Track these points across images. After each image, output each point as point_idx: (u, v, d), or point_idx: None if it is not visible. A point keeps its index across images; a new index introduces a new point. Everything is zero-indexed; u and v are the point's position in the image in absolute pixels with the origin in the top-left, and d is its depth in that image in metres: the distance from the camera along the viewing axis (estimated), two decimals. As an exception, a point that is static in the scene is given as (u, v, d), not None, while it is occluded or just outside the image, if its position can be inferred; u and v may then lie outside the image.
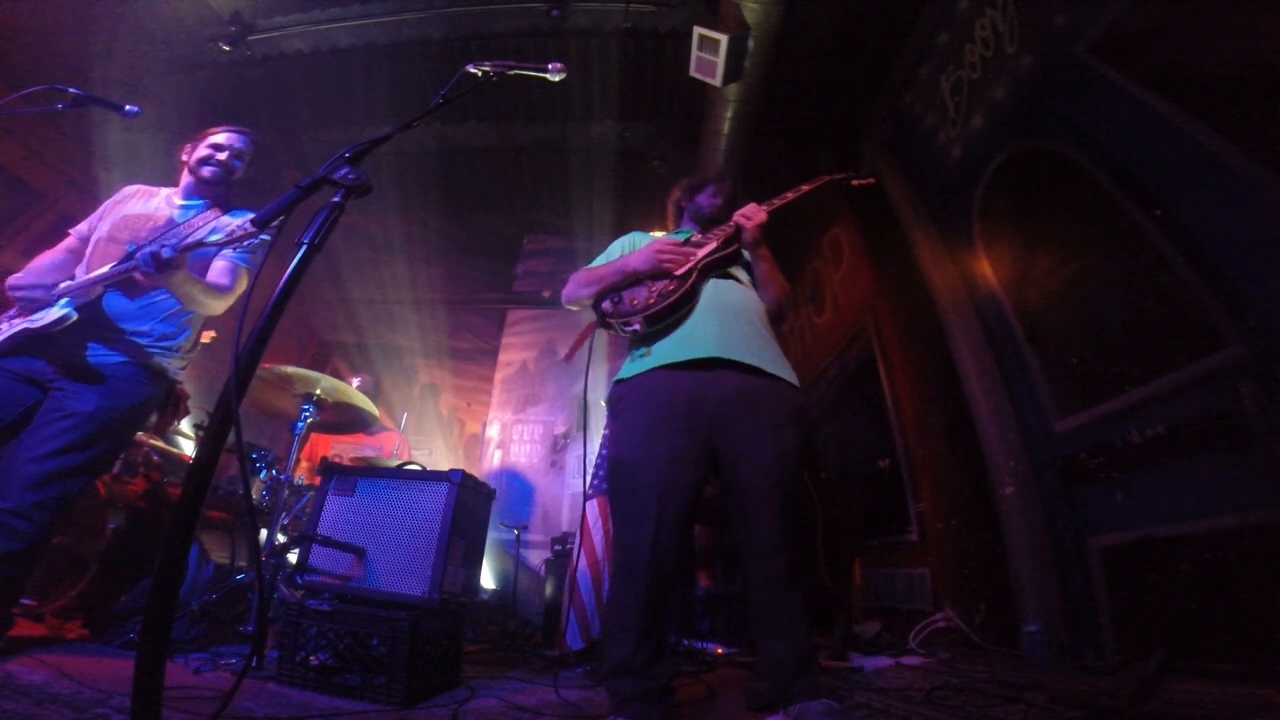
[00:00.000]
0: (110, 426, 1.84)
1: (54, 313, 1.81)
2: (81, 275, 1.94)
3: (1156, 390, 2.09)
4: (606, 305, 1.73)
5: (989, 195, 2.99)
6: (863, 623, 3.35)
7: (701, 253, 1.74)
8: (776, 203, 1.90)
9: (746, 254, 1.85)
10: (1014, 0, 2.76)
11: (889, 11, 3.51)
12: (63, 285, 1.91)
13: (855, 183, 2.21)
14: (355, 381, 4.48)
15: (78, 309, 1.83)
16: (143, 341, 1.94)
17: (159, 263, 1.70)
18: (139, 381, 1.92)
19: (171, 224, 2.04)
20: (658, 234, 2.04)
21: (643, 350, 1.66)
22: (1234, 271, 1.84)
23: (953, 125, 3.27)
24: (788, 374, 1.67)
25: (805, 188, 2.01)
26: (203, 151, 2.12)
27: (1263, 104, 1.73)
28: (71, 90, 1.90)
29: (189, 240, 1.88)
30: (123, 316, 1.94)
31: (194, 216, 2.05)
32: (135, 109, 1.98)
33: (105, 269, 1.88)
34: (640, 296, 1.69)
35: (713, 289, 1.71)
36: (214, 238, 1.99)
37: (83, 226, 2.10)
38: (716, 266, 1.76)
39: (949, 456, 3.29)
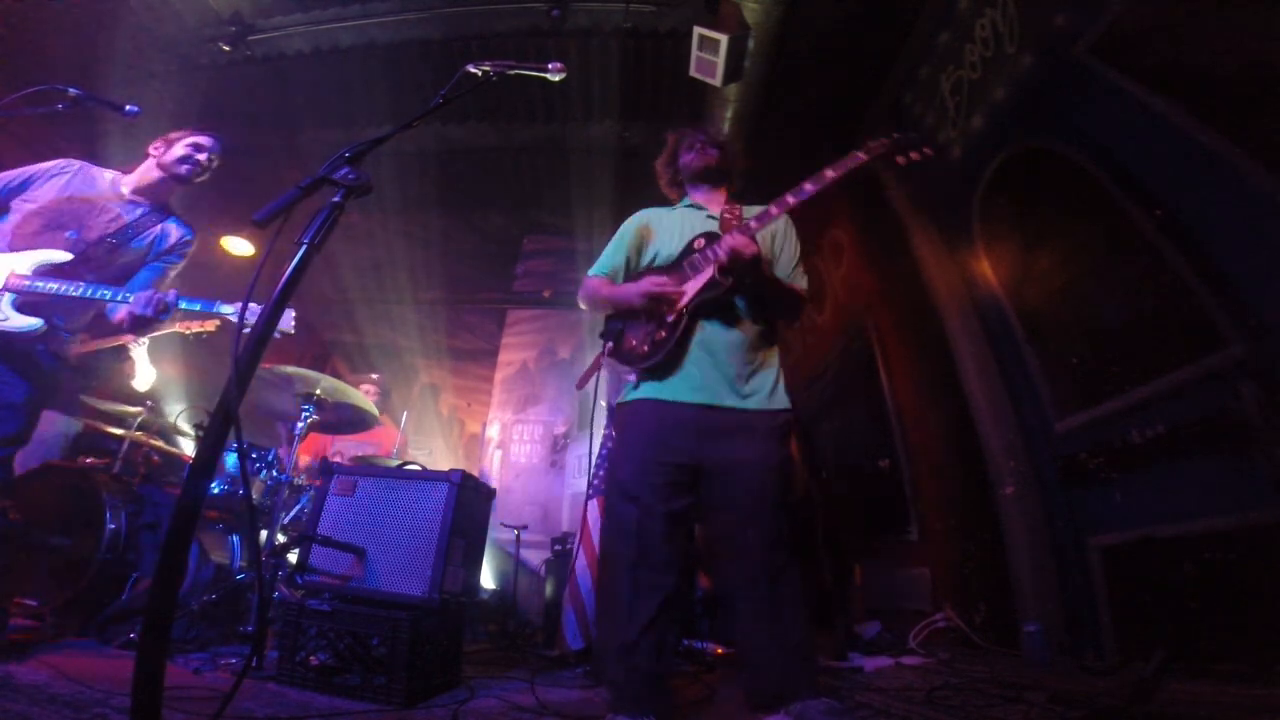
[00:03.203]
0: (37, 411, 1.98)
1: (20, 320, 1.87)
2: (3, 237, 1.95)
3: (1156, 390, 2.09)
4: (610, 345, 1.77)
5: (989, 195, 2.99)
6: (863, 623, 3.35)
7: (691, 292, 1.66)
8: (775, 213, 1.66)
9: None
10: (1014, 0, 2.76)
11: (889, 11, 3.51)
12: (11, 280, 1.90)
13: (901, 159, 1.71)
14: (374, 375, 4.48)
15: (19, 306, 1.90)
16: (61, 323, 2.01)
17: (163, 311, 1.92)
18: (57, 364, 2.03)
19: (119, 220, 2.10)
20: (665, 211, 1.97)
21: (634, 385, 1.72)
22: (1234, 271, 1.83)
23: (953, 125, 3.27)
24: (776, 402, 1.67)
25: (831, 174, 1.63)
26: (182, 150, 2.18)
27: (1263, 104, 1.73)
28: (71, 90, 1.90)
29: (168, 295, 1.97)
30: (56, 301, 1.98)
31: (141, 217, 2.14)
32: (135, 109, 1.99)
33: (77, 286, 1.93)
34: (637, 338, 1.71)
35: (705, 330, 1.68)
36: (138, 250, 2.15)
37: None
38: (711, 302, 1.68)
39: (949, 456, 3.29)
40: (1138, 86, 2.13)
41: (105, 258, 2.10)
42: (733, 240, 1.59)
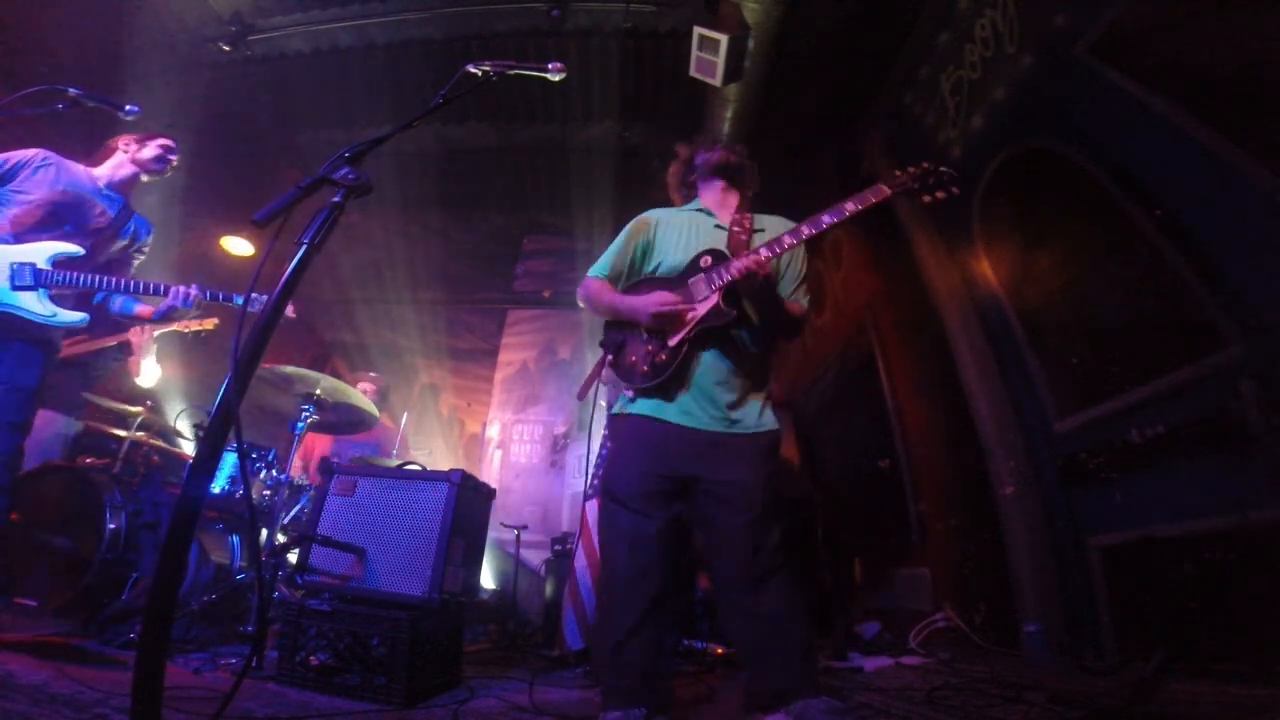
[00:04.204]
0: (41, 395, 2.07)
1: (68, 315, 2.00)
2: (2, 229, 1.97)
3: (1156, 390, 2.09)
4: (610, 359, 1.77)
5: (989, 195, 2.99)
6: (863, 623, 3.35)
7: (697, 316, 1.64)
8: (790, 243, 1.60)
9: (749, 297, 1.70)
10: (1014, 0, 2.76)
11: (889, 11, 3.51)
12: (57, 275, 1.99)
13: (927, 199, 1.64)
14: (372, 374, 4.47)
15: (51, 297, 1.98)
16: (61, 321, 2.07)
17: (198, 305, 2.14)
18: (55, 350, 2.10)
19: (106, 215, 2.19)
20: (673, 213, 1.91)
21: (630, 398, 1.72)
22: (1234, 271, 1.83)
23: (953, 125, 3.27)
24: (763, 425, 1.68)
25: (851, 208, 1.58)
26: (154, 150, 2.29)
27: (1263, 104, 1.73)
28: (71, 90, 1.91)
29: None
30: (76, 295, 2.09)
31: (120, 212, 2.24)
32: (135, 108, 2.00)
33: (109, 281, 2.06)
34: (638, 355, 1.70)
35: (700, 364, 1.67)
36: (121, 244, 2.28)
37: None
38: (716, 331, 1.66)
39: (949, 456, 3.29)
40: (1138, 86, 2.13)
41: (99, 251, 2.16)
42: (745, 261, 1.54)
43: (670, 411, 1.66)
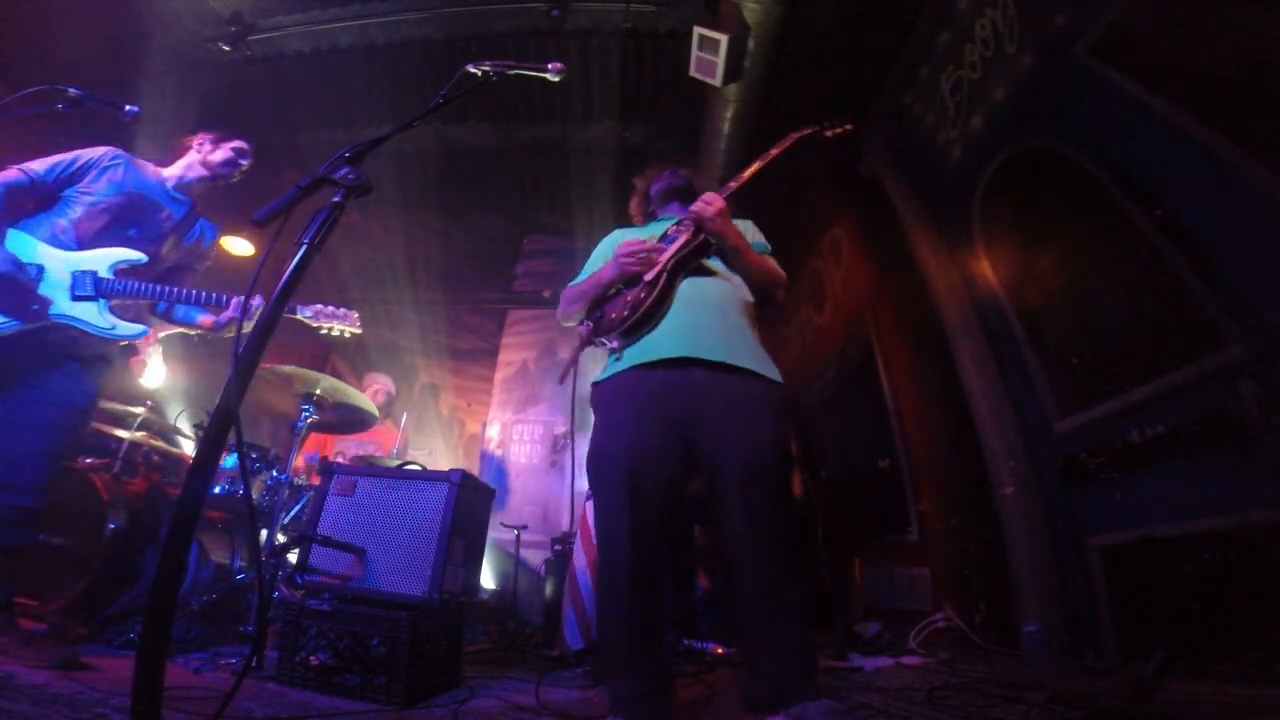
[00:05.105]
0: (90, 415, 2.00)
1: (127, 327, 1.93)
2: (66, 233, 1.89)
3: (1156, 390, 2.09)
4: (588, 325, 1.76)
5: (989, 195, 2.99)
6: (863, 623, 3.35)
7: (669, 251, 1.69)
8: (734, 185, 1.81)
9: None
10: (1014, 0, 2.76)
11: (889, 11, 3.51)
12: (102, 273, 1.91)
13: (830, 133, 2.03)
14: (383, 375, 4.48)
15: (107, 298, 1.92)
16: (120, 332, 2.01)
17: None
18: (110, 367, 2.03)
19: (172, 219, 2.12)
20: (638, 230, 2.02)
21: (616, 356, 1.68)
22: (1234, 271, 1.83)
23: (953, 125, 3.27)
24: (764, 368, 1.62)
25: (774, 151, 1.89)
26: (227, 154, 2.21)
27: (1263, 104, 1.73)
28: (71, 90, 1.90)
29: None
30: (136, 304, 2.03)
31: (186, 215, 2.16)
32: (135, 109, 1.99)
33: (168, 290, 1.98)
34: (616, 309, 1.69)
35: (687, 286, 1.69)
36: (186, 249, 2.21)
37: (39, 168, 1.91)
38: (690, 259, 1.71)
39: (949, 456, 3.28)
40: (1138, 86, 2.13)
41: (163, 257, 2.11)
42: (704, 196, 1.69)
43: (660, 346, 1.59)
